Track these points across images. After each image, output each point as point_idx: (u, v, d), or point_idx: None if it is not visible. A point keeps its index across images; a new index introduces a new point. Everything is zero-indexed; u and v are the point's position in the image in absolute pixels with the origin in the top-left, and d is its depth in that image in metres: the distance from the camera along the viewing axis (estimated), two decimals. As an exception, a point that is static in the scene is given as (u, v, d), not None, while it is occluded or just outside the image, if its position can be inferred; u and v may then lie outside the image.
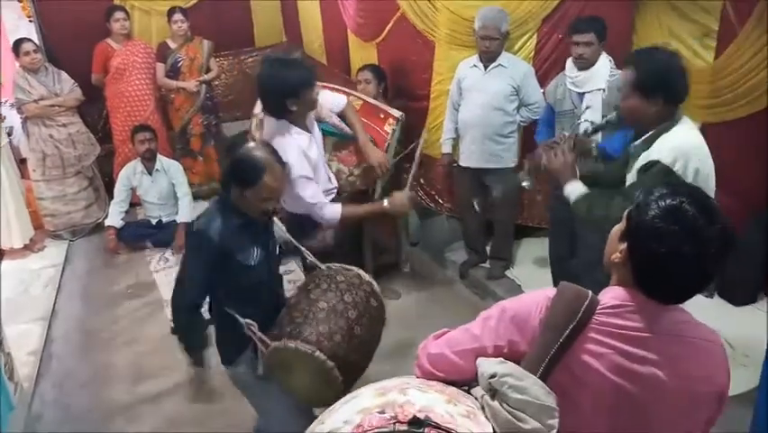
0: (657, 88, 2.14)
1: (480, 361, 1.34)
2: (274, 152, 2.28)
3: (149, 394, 3.45)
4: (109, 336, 4.08)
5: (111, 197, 5.30)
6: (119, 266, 4.97)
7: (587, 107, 3.38)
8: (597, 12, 3.42)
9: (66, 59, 5.45)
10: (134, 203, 5.43)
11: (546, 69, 3.89)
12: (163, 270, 4.83)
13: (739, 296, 3.57)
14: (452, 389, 1.35)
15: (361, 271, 2.48)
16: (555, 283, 3.78)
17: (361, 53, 5.11)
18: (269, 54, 3.30)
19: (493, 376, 1.26)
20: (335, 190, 3.17)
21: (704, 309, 3.72)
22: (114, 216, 5.13)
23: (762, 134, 3.24)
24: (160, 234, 5.17)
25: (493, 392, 1.25)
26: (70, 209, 5.31)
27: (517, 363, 1.30)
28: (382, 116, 3.47)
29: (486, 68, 3.82)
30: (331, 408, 1.35)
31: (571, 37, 3.37)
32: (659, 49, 2.26)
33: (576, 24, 3.37)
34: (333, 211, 2.87)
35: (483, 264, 4.38)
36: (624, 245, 1.33)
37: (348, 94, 3.45)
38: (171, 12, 5.52)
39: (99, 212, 5.48)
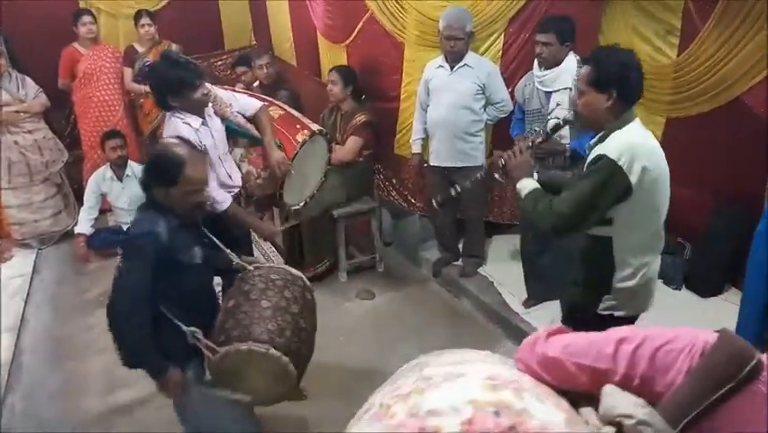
0: (611, 82, 2.17)
1: (612, 391, 1.17)
2: (188, 142, 2.30)
3: (122, 404, 3.40)
4: (80, 345, 4.00)
5: (80, 203, 5.20)
6: (90, 274, 4.89)
7: (554, 107, 3.41)
8: (564, 11, 3.45)
9: (30, 64, 5.35)
10: (105, 209, 5.34)
11: (513, 68, 3.94)
12: (135, 276, 4.75)
13: (706, 288, 3.64)
14: (566, 404, 1.20)
15: (291, 268, 2.55)
16: (527, 280, 3.84)
17: (331, 55, 5.10)
18: (167, 51, 3.41)
19: (628, 417, 1.10)
20: (236, 189, 3.27)
21: (673, 302, 3.82)
22: (84, 223, 5.03)
23: (724, 129, 3.31)
24: (131, 241, 5.10)
25: (618, 430, 1.10)
26: (38, 217, 5.22)
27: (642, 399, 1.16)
28: (298, 126, 3.48)
29: (452, 68, 3.85)
30: (426, 376, 1.20)
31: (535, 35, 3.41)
32: (617, 47, 2.29)
33: (540, 23, 3.41)
34: (224, 197, 3.03)
35: (456, 262, 4.41)
36: None
37: (271, 103, 3.57)
38: (138, 15, 5.45)
39: (69, 219, 5.39)
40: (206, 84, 3.00)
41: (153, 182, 2.21)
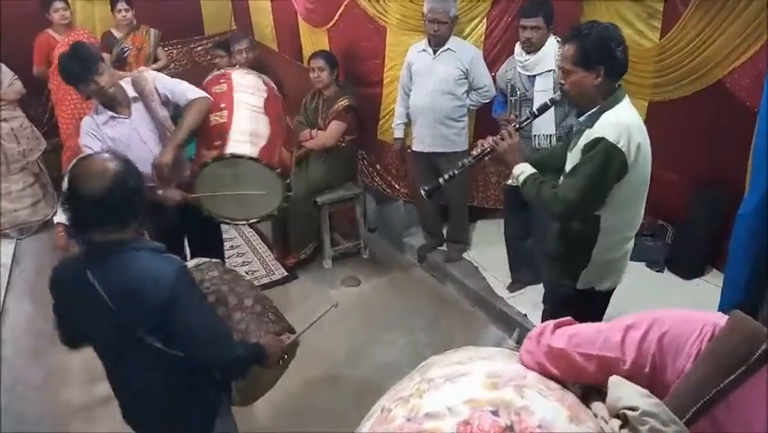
0: (597, 59, 2.15)
1: (617, 382, 1.13)
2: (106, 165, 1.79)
3: (105, 395, 3.36)
4: (62, 336, 3.96)
5: (59, 193, 5.12)
6: (70, 264, 4.83)
7: (540, 90, 3.40)
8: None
9: (4, 51, 5.23)
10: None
11: (497, 53, 3.92)
12: (117, 266, 4.72)
13: (688, 270, 3.67)
14: (572, 398, 1.17)
15: (208, 258, 2.46)
16: (511, 264, 3.85)
17: (312, 39, 5.04)
18: (75, 42, 3.27)
19: (633, 409, 1.06)
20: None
21: (655, 284, 3.85)
22: (64, 213, 4.97)
23: (706, 112, 3.33)
24: (112, 230, 5.03)
25: (624, 423, 1.07)
26: (16, 207, 5.13)
27: (653, 387, 1.13)
28: (217, 144, 2.93)
29: (435, 52, 3.83)
30: (429, 377, 1.16)
31: (520, 20, 3.38)
32: (597, 22, 2.25)
33: (525, 8, 3.39)
34: None
35: (441, 248, 4.41)
36: None
37: (226, 105, 3.03)
38: (114, 0, 5.34)
39: (47, 209, 5.30)
40: (107, 77, 2.86)
41: (111, 218, 1.76)
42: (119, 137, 2.94)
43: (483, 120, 4.03)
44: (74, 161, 1.88)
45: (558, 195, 2.22)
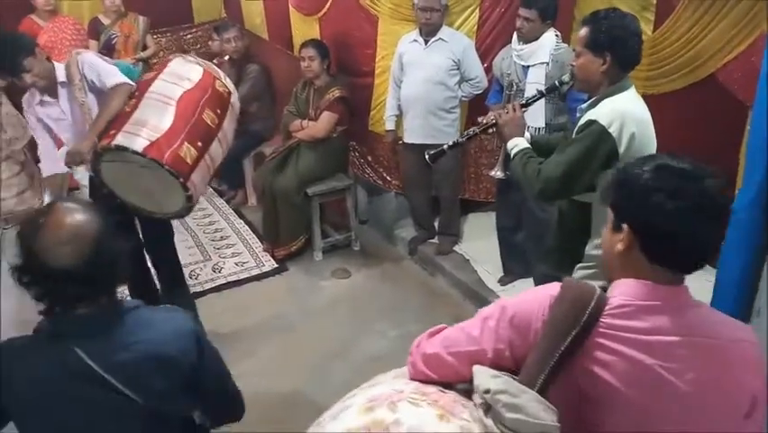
0: (606, 45, 2.14)
1: (476, 371, 1.21)
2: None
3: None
4: (49, 327, 3.92)
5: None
6: (57, 254, 4.78)
7: (533, 80, 3.37)
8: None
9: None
10: (73, 187, 5.21)
11: (489, 43, 3.90)
12: (105, 256, 4.67)
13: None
14: (449, 397, 1.23)
15: None
16: (503, 257, 3.84)
17: (303, 28, 4.99)
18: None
19: (487, 392, 1.14)
20: None
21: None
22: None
23: (699, 106, 3.31)
24: (100, 220, 4.98)
25: (488, 407, 1.14)
26: (3, 196, 5.06)
27: (520, 367, 1.21)
28: (112, 132, 2.73)
29: (426, 42, 3.80)
30: (319, 421, 1.25)
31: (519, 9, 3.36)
32: (616, 10, 2.25)
33: None
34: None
35: (432, 240, 4.39)
36: (623, 230, 1.23)
37: (140, 95, 2.81)
38: (102, -14, 5.26)
39: (34, 198, 5.22)
40: (35, 72, 2.82)
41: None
42: (50, 116, 3.02)
43: (475, 111, 3.99)
44: (27, 218, 1.48)
45: (540, 171, 2.20)
